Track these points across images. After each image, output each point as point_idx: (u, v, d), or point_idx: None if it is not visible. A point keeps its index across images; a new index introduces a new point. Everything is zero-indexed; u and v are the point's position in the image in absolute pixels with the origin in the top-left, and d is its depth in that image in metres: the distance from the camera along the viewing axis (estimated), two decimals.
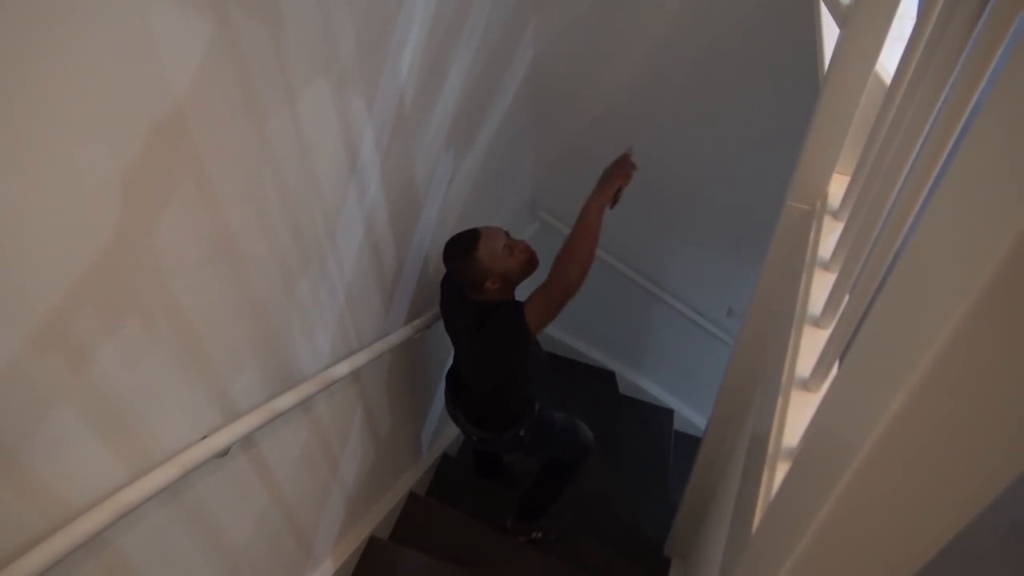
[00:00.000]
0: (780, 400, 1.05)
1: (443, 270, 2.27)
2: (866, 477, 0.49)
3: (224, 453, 1.31)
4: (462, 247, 1.81)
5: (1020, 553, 1.17)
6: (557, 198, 3.24)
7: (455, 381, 2.17)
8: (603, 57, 2.59)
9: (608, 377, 3.88)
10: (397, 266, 1.94)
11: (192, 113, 1.01)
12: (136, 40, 0.89)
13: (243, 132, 1.14)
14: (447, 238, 2.22)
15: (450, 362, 2.20)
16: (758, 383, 1.58)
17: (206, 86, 1.02)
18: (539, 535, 2.61)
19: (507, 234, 1.85)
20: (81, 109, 0.85)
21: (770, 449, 1.01)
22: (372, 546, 2.23)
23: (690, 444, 3.58)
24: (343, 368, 1.68)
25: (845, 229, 1.11)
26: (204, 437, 1.27)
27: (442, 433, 2.89)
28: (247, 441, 1.43)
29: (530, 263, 1.86)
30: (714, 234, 3.00)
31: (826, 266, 1.18)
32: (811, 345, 1.08)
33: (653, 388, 3.89)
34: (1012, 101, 0.37)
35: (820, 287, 1.15)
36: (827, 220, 1.26)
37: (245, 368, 1.36)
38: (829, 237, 1.22)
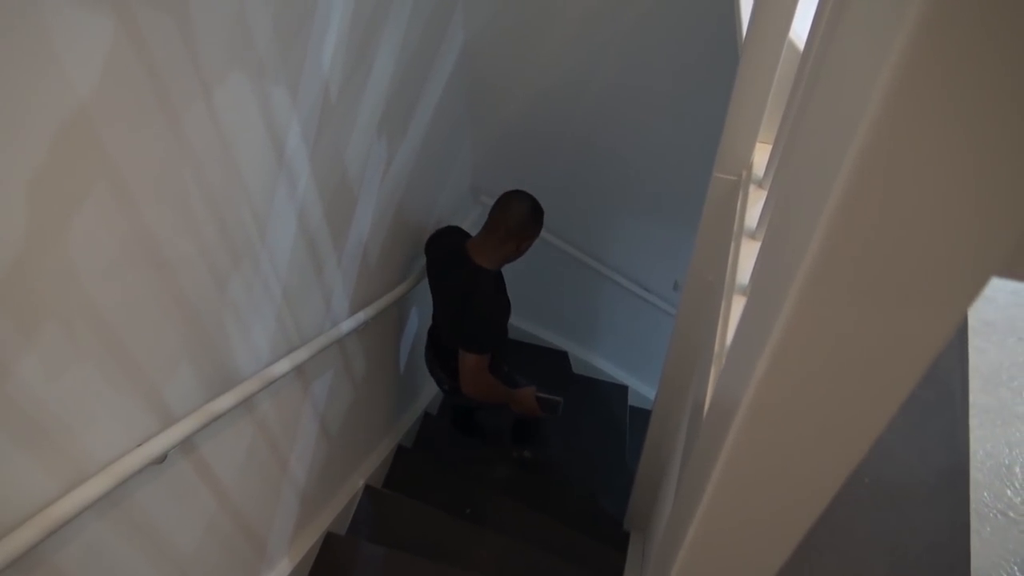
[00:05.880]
0: (712, 370, 1.06)
1: (386, 261, 2.25)
2: (749, 428, 0.51)
3: (162, 460, 1.28)
4: (531, 201, 2.17)
5: (951, 498, 1.21)
6: (497, 182, 3.21)
7: (434, 335, 2.52)
8: (534, 39, 2.58)
9: (561, 357, 3.90)
10: (336, 259, 1.91)
11: (98, 112, 0.98)
12: (33, 39, 0.85)
13: (156, 128, 1.11)
14: (387, 228, 2.20)
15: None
16: (699, 353, 1.60)
17: (111, 83, 0.98)
18: (528, 455, 3.07)
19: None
20: None
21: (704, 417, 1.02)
22: (329, 542, 2.21)
23: (646, 418, 3.61)
24: (284, 365, 1.65)
25: (768, 197, 1.13)
26: (139, 444, 1.24)
27: (396, 424, 2.87)
28: (187, 446, 1.40)
29: (519, 257, 2.27)
30: (657, 210, 3.02)
31: (752, 235, 1.19)
32: (740, 314, 1.10)
33: (606, 365, 3.92)
34: None
35: (747, 256, 1.16)
36: (752, 189, 1.27)
37: (179, 371, 1.33)
38: (755, 206, 1.23)
